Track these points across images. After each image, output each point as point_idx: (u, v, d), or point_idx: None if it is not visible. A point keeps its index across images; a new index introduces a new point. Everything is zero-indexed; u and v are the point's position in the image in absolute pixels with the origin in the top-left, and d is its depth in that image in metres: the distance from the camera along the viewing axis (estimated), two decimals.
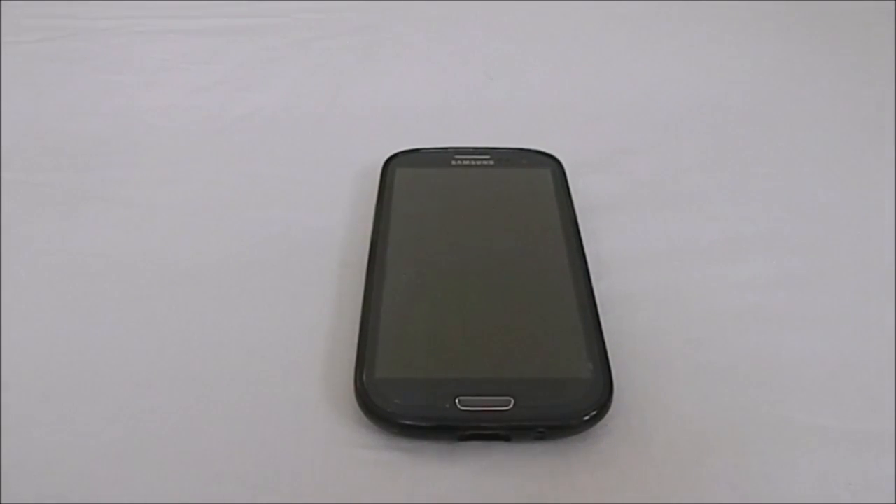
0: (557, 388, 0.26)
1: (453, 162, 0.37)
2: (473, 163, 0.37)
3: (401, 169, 0.36)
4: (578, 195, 0.35)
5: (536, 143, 0.38)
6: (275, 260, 0.33)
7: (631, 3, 0.54)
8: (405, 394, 0.26)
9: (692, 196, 0.37)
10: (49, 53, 0.49)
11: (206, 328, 0.30)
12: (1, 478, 0.25)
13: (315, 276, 0.32)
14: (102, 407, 0.27)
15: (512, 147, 0.38)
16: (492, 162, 0.37)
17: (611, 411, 0.26)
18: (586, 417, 0.25)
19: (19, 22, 0.52)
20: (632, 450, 0.26)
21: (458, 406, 0.25)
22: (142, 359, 0.29)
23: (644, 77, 0.47)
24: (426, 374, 0.27)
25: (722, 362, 0.29)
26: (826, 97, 0.45)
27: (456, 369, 0.27)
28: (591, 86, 0.46)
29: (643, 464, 0.25)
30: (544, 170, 0.36)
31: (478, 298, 0.30)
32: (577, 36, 0.51)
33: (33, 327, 0.30)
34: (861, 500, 0.24)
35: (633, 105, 0.44)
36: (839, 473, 0.25)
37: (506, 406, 0.25)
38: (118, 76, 0.47)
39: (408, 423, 0.25)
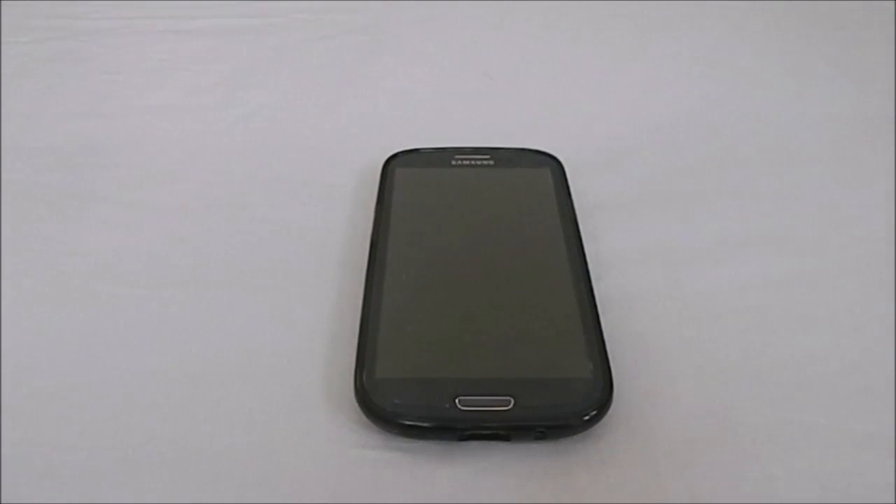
0: (557, 388, 0.26)
1: (453, 162, 0.37)
2: (473, 163, 0.37)
3: (401, 169, 0.36)
4: (578, 195, 0.35)
5: (536, 143, 0.38)
6: (275, 260, 0.33)
7: (631, 2, 0.54)
8: (405, 394, 0.26)
9: (692, 196, 0.37)
10: (49, 53, 0.49)
11: (206, 328, 0.30)
12: (1, 478, 0.25)
13: (315, 276, 0.32)
14: (102, 406, 0.27)
15: (512, 147, 0.38)
16: (492, 162, 0.37)
17: (611, 411, 0.26)
18: (586, 417, 0.25)
19: (19, 22, 0.52)
20: (632, 450, 0.26)
21: (458, 406, 0.25)
22: (142, 359, 0.29)
23: (644, 77, 0.47)
24: (426, 374, 0.27)
25: (722, 362, 0.29)
26: (826, 97, 0.45)
27: (456, 369, 0.27)
28: (591, 86, 0.46)
29: (643, 464, 0.25)
30: (544, 170, 0.36)
31: (478, 298, 0.30)
32: (577, 36, 0.51)
33: (33, 327, 0.30)
34: (861, 500, 0.24)
35: (633, 105, 0.44)
36: (839, 473, 0.25)
37: (506, 406, 0.25)
38: (118, 76, 0.47)
39: (408, 423, 0.25)
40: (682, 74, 0.47)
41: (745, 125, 0.42)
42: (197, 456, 0.25)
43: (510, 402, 0.25)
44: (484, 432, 0.25)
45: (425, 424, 0.25)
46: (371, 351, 0.27)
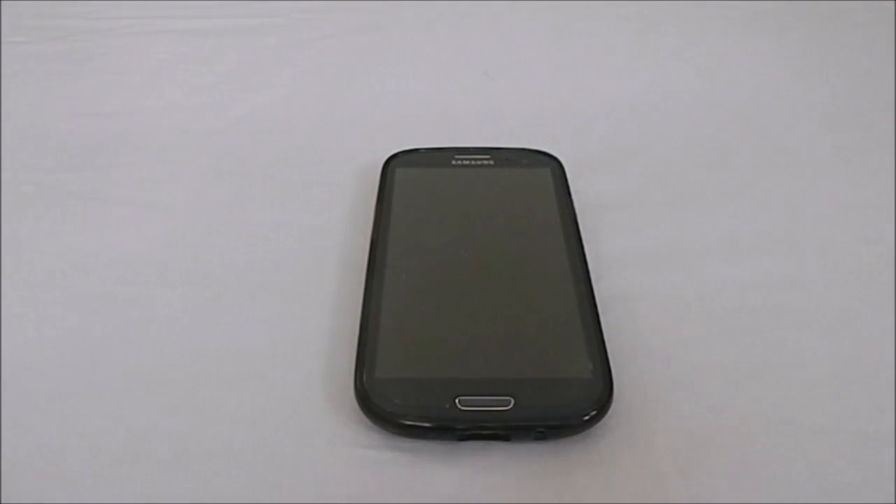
0: (557, 388, 0.26)
1: (453, 162, 0.37)
2: (473, 163, 0.37)
3: (401, 169, 0.36)
4: (578, 195, 0.35)
5: (536, 143, 0.38)
6: (275, 260, 0.33)
7: (631, 3, 0.54)
8: (405, 394, 0.26)
9: (692, 196, 0.37)
10: (49, 53, 0.49)
11: (206, 328, 0.30)
12: (1, 478, 0.25)
13: (315, 276, 0.32)
14: (102, 407, 0.27)
15: (512, 147, 0.38)
16: (492, 162, 0.37)
17: (611, 411, 0.26)
18: (586, 417, 0.25)
19: (19, 22, 0.52)
20: (632, 450, 0.26)
21: (458, 406, 0.25)
22: (141, 359, 0.29)
23: (644, 77, 0.47)
24: (426, 374, 0.27)
25: (722, 362, 0.29)
26: (826, 97, 0.45)
27: (456, 369, 0.27)
28: (591, 86, 0.46)
29: (643, 464, 0.25)
30: (544, 170, 0.36)
31: (478, 298, 0.30)
32: (577, 36, 0.51)
33: (33, 327, 0.30)
34: (861, 500, 0.24)
35: (633, 105, 0.44)
36: (839, 473, 0.25)
37: (506, 406, 0.25)
38: (118, 76, 0.47)
39: (408, 423, 0.25)
40: (682, 74, 0.47)
41: (745, 125, 0.42)
42: (197, 456, 0.25)
43: (510, 402, 0.25)
44: (484, 432, 0.25)
45: (425, 424, 0.25)
46: (371, 351, 0.27)
